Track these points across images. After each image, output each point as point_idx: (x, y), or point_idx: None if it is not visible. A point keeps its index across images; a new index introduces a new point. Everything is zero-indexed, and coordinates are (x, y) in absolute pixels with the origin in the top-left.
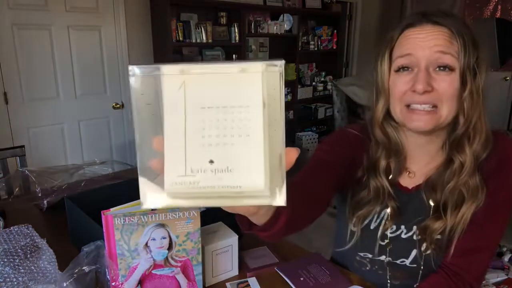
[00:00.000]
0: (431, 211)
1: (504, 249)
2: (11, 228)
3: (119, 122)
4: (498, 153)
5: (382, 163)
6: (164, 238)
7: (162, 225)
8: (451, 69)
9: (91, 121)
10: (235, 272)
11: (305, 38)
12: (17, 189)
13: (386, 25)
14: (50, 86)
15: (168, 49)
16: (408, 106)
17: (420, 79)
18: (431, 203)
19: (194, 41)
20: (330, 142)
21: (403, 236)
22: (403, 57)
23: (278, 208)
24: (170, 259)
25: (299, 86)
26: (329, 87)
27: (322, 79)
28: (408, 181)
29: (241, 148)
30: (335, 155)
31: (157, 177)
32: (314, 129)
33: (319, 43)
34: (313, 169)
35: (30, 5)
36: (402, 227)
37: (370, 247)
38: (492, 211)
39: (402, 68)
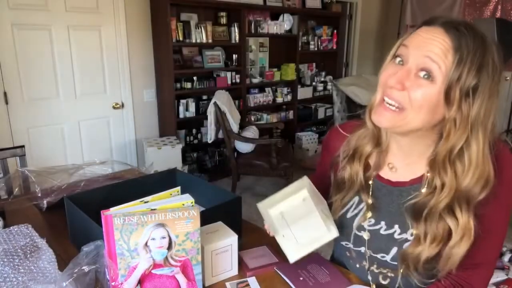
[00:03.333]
0: (413, 238)
1: (504, 249)
2: (11, 228)
3: (119, 122)
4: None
5: (366, 149)
6: (163, 237)
7: (161, 225)
8: (432, 78)
9: (91, 121)
10: (235, 272)
11: (305, 38)
12: (17, 189)
13: (386, 25)
14: (50, 86)
15: (168, 49)
16: (383, 97)
17: (397, 75)
18: (414, 231)
19: (194, 41)
20: (322, 150)
21: (382, 232)
22: (402, 46)
23: None
24: (169, 258)
25: (299, 86)
26: (329, 87)
27: (322, 79)
28: (389, 174)
29: (313, 225)
30: (326, 164)
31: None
32: (314, 129)
33: (319, 43)
34: (316, 180)
35: (30, 5)
36: (382, 223)
37: (347, 236)
38: (492, 225)
39: (398, 57)
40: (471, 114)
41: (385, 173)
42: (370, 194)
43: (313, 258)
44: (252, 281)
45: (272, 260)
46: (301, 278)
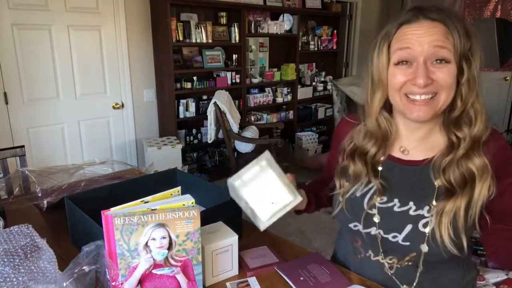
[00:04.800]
0: (438, 192)
1: None
2: (11, 228)
3: (119, 122)
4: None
5: (367, 147)
6: (164, 238)
7: (162, 225)
8: (447, 61)
9: (91, 121)
10: (235, 271)
11: (305, 38)
12: (17, 189)
13: (386, 25)
14: (50, 86)
15: (168, 49)
16: (407, 96)
17: (421, 74)
18: (437, 183)
19: (194, 41)
20: (332, 143)
21: (396, 209)
22: (403, 49)
23: (309, 200)
24: (170, 258)
25: (299, 86)
26: (329, 87)
27: (322, 79)
28: (401, 155)
29: (277, 192)
30: (334, 157)
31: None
32: (314, 129)
33: (319, 43)
34: (325, 178)
35: (30, 5)
36: (395, 200)
37: (358, 215)
38: None
39: (401, 62)
40: (476, 71)
41: (397, 153)
42: (380, 176)
43: (313, 258)
44: (253, 281)
45: (272, 260)
46: (301, 278)
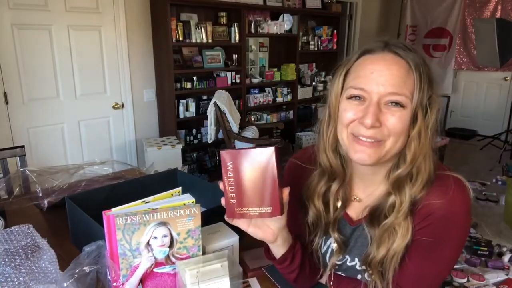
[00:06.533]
0: (370, 243)
1: (504, 249)
2: (12, 228)
3: (119, 122)
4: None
5: (322, 189)
6: (165, 236)
7: (163, 223)
8: (402, 106)
9: (91, 121)
10: None
11: (305, 38)
12: (17, 189)
13: (386, 25)
14: (50, 86)
15: (168, 49)
16: (353, 134)
17: (370, 113)
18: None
19: (194, 41)
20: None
21: (348, 263)
22: (356, 89)
23: (292, 246)
24: (171, 256)
25: (299, 86)
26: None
27: (322, 79)
28: (354, 210)
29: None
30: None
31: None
32: (314, 129)
33: (319, 43)
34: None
35: (30, 5)
36: (347, 256)
37: (324, 275)
38: (436, 247)
39: (354, 97)
40: (430, 123)
41: (351, 209)
42: (338, 233)
43: None
44: (253, 282)
45: None
46: None
